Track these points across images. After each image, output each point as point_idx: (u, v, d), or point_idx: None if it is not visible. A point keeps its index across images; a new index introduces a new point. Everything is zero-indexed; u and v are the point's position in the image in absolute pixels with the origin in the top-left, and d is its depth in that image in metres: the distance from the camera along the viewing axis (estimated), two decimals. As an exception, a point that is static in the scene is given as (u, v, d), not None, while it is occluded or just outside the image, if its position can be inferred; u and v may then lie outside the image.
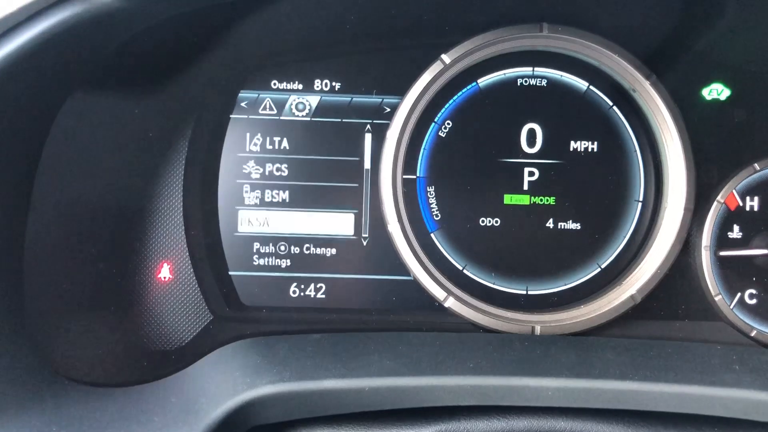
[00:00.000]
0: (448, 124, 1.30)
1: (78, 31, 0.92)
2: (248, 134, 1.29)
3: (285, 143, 1.30)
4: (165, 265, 1.26)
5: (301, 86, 1.30)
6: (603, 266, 1.32)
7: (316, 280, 1.31)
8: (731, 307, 1.30)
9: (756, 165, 1.29)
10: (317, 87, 1.30)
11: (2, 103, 0.92)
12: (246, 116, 1.29)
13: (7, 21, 0.86)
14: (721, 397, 1.03)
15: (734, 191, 1.30)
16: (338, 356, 1.14)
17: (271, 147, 1.29)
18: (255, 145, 1.29)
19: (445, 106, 1.30)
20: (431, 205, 1.31)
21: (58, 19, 0.89)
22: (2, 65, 0.88)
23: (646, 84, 1.27)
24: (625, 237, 1.32)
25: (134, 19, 0.98)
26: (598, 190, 1.32)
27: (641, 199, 1.32)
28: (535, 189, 1.31)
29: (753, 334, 1.29)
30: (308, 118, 1.30)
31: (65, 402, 1.04)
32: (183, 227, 1.26)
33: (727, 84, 1.31)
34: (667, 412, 1.06)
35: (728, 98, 1.31)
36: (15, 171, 1.02)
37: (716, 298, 1.29)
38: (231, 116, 1.28)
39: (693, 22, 1.25)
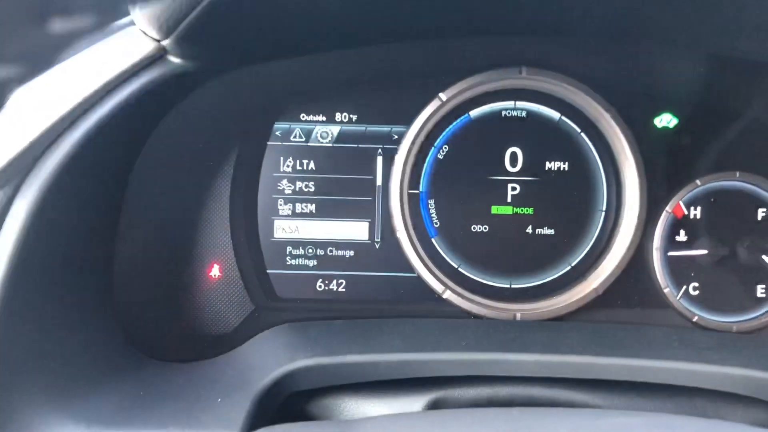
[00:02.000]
0: (445, 148, 1.42)
1: (161, 86, 1.13)
2: (282, 158, 1.41)
3: (312, 165, 1.42)
4: (215, 265, 1.38)
5: (324, 118, 1.42)
6: (573, 264, 1.43)
7: (338, 277, 1.43)
8: (678, 297, 1.41)
9: (698, 181, 1.41)
10: (338, 119, 1.42)
11: (106, 139, 1.10)
12: (280, 143, 1.41)
13: (115, 80, 1.07)
14: (660, 368, 1.19)
15: (680, 202, 1.41)
16: (357, 337, 1.27)
17: (300, 168, 1.42)
18: (287, 166, 1.42)
19: (443, 134, 1.42)
20: (432, 215, 1.43)
21: (148, 78, 1.10)
22: (108, 114, 1.07)
23: (607, 116, 1.38)
24: (591, 240, 1.43)
25: (200, 77, 1.21)
26: (569, 202, 1.43)
27: (604, 209, 1.43)
28: (516, 201, 1.43)
29: (695, 319, 1.41)
30: (330, 144, 1.42)
31: (145, 373, 1.20)
32: (230, 234, 1.38)
33: (675, 114, 1.42)
34: (620, 381, 1.19)
35: (676, 126, 1.42)
36: (111, 190, 1.20)
37: (665, 290, 1.41)
38: (268, 143, 1.41)
39: (646, 66, 1.41)
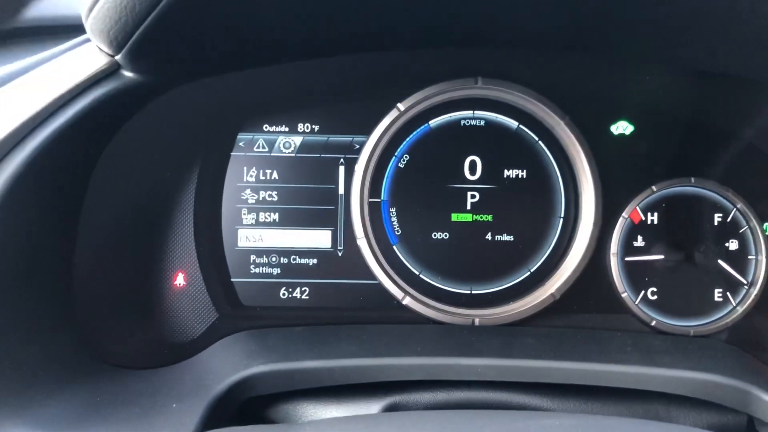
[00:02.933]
0: (406, 157, 1.45)
1: (116, 98, 1.15)
2: (245, 168, 1.44)
3: (275, 175, 1.44)
4: (180, 274, 1.40)
5: (287, 129, 1.44)
6: (532, 270, 1.45)
7: (301, 285, 1.45)
8: (636, 302, 1.43)
9: (653, 187, 1.43)
10: (300, 129, 1.44)
11: (61, 151, 1.11)
12: (243, 153, 1.44)
13: (69, 93, 1.09)
14: (611, 372, 1.21)
15: (637, 208, 1.44)
16: (315, 344, 1.28)
17: (263, 178, 1.44)
18: (251, 176, 1.44)
19: (403, 143, 1.45)
20: (393, 223, 1.45)
21: (101, 91, 1.12)
22: (61, 127, 1.09)
23: (562, 123, 1.41)
24: (549, 246, 1.45)
25: (156, 89, 1.23)
26: (528, 209, 1.45)
27: (562, 215, 1.45)
28: (476, 208, 1.45)
29: (653, 323, 1.42)
30: (293, 154, 1.45)
31: (104, 380, 1.19)
32: (194, 243, 1.40)
33: (631, 121, 1.45)
34: (574, 384, 1.21)
35: (632, 133, 1.45)
36: (68, 199, 1.21)
37: (623, 295, 1.43)
38: (231, 154, 1.43)
39: (601, 75, 1.44)
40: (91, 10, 1.02)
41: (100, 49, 1.13)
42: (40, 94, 1.11)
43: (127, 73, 1.15)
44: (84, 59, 1.15)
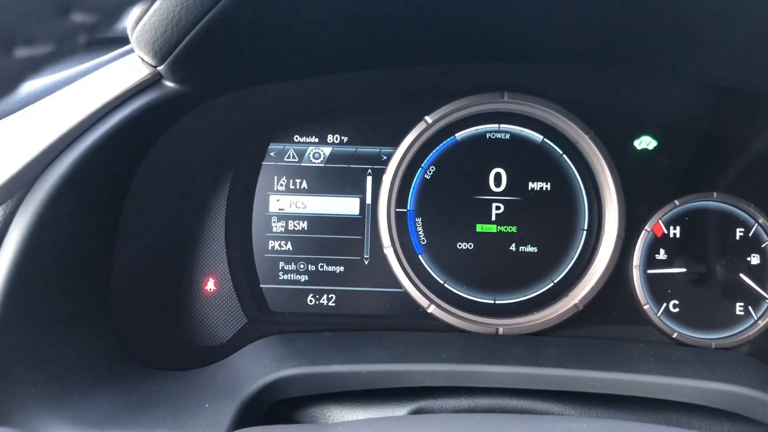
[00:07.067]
0: (432, 168, 1.48)
1: (157, 108, 1.20)
2: (276, 177, 1.47)
3: (304, 184, 1.48)
4: (210, 279, 1.43)
5: (317, 139, 1.48)
6: (555, 281, 1.47)
7: (328, 292, 1.47)
8: (658, 314, 1.44)
9: (676, 201, 1.45)
10: (330, 140, 1.48)
11: (103, 158, 1.17)
12: (274, 163, 1.47)
13: (112, 102, 1.14)
14: (633, 381, 1.22)
15: (660, 221, 1.45)
16: (342, 348, 1.31)
17: (293, 187, 1.47)
18: (281, 185, 1.47)
19: (430, 155, 1.47)
20: (419, 233, 1.47)
21: (144, 101, 1.18)
22: (105, 134, 1.14)
23: (586, 138, 1.44)
24: (573, 258, 1.47)
25: (194, 100, 1.28)
26: (552, 221, 1.47)
27: (586, 227, 1.47)
28: (501, 220, 1.47)
29: (674, 335, 1.43)
30: (322, 165, 1.48)
31: (139, 380, 1.24)
32: (225, 250, 1.43)
33: (654, 136, 1.47)
34: (596, 393, 1.22)
35: (655, 148, 1.47)
36: (109, 205, 1.26)
37: (645, 307, 1.44)
38: (263, 163, 1.47)
39: (625, 90, 1.46)
40: (137, 23, 1.06)
41: (142, 60, 1.17)
42: (85, 103, 1.17)
43: (168, 84, 1.20)
44: (127, 70, 1.20)
